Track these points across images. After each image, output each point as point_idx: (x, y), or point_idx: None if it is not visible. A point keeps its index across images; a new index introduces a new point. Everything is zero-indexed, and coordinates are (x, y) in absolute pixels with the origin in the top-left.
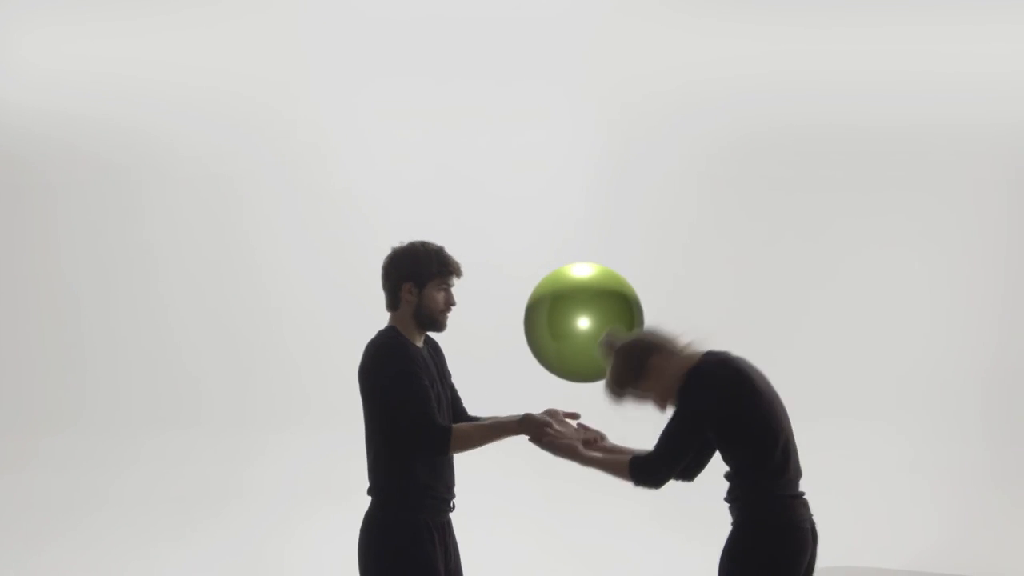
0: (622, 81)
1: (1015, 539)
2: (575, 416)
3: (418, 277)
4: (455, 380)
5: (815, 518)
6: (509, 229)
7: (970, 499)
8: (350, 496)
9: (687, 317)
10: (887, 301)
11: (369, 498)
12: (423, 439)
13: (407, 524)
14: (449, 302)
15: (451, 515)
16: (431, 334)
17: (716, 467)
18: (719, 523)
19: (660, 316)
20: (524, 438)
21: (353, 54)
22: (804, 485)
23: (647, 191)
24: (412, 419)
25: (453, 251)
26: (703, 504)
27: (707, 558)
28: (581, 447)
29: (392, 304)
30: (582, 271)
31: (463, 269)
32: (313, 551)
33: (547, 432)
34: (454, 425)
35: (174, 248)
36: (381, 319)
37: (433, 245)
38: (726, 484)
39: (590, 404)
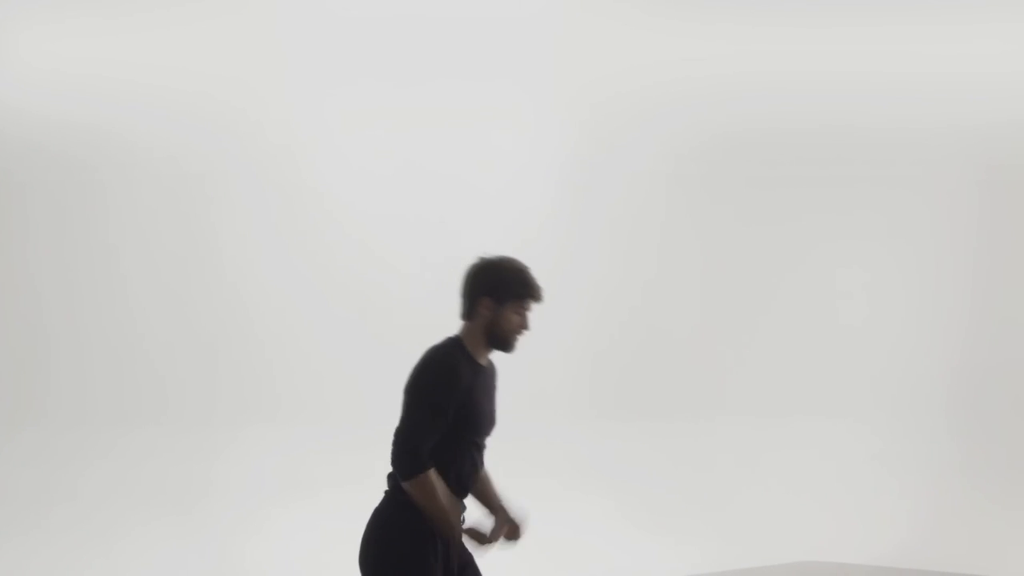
0: (590, 81)
1: (981, 534)
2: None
3: (498, 294)
4: None
5: (787, 515)
6: (477, 226)
7: (937, 495)
8: (317, 492)
9: (656, 317)
10: (857, 299)
11: (382, 494)
12: (399, 456)
13: (421, 529)
14: (523, 326)
15: None
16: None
17: (690, 464)
18: (683, 515)
19: (630, 314)
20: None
21: (323, 54)
22: (778, 480)
23: (614, 189)
24: (405, 440)
25: (420, 246)
26: (669, 499)
27: (670, 548)
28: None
29: (467, 314)
30: None
31: (542, 294)
32: (280, 546)
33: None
34: (430, 472)
35: (142, 246)
36: (351, 316)
37: (518, 264)
38: (690, 481)
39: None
